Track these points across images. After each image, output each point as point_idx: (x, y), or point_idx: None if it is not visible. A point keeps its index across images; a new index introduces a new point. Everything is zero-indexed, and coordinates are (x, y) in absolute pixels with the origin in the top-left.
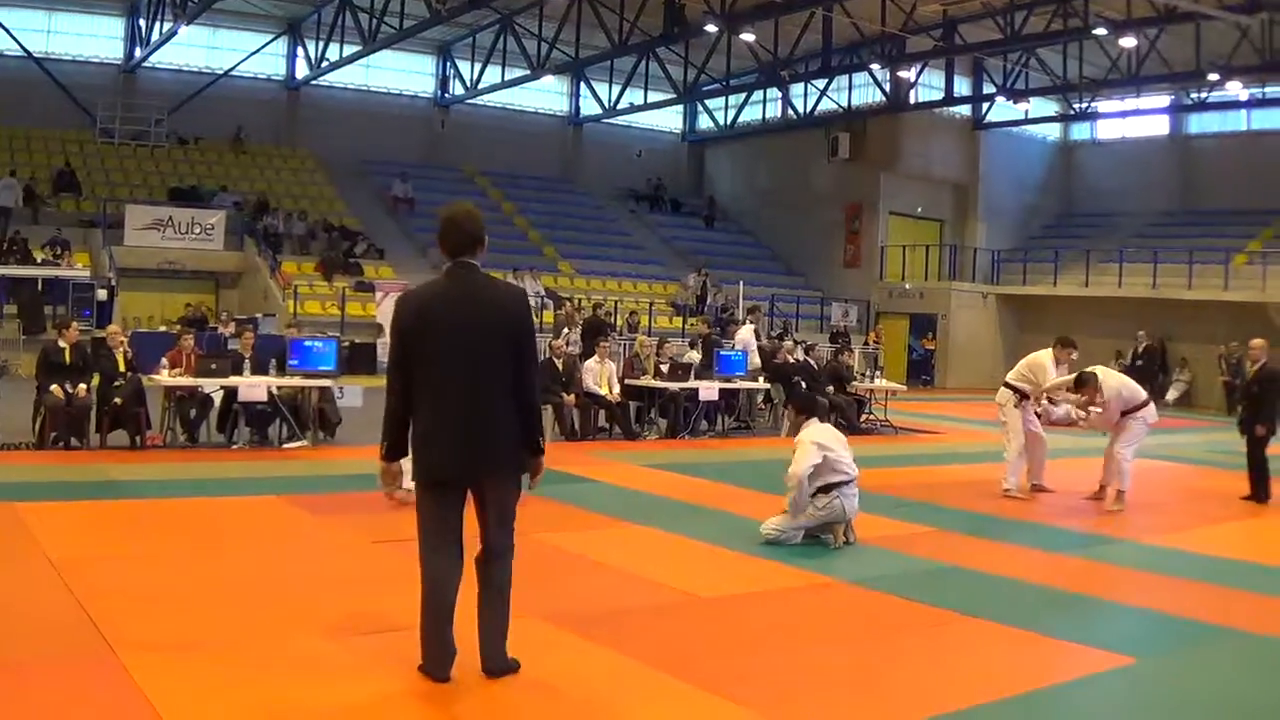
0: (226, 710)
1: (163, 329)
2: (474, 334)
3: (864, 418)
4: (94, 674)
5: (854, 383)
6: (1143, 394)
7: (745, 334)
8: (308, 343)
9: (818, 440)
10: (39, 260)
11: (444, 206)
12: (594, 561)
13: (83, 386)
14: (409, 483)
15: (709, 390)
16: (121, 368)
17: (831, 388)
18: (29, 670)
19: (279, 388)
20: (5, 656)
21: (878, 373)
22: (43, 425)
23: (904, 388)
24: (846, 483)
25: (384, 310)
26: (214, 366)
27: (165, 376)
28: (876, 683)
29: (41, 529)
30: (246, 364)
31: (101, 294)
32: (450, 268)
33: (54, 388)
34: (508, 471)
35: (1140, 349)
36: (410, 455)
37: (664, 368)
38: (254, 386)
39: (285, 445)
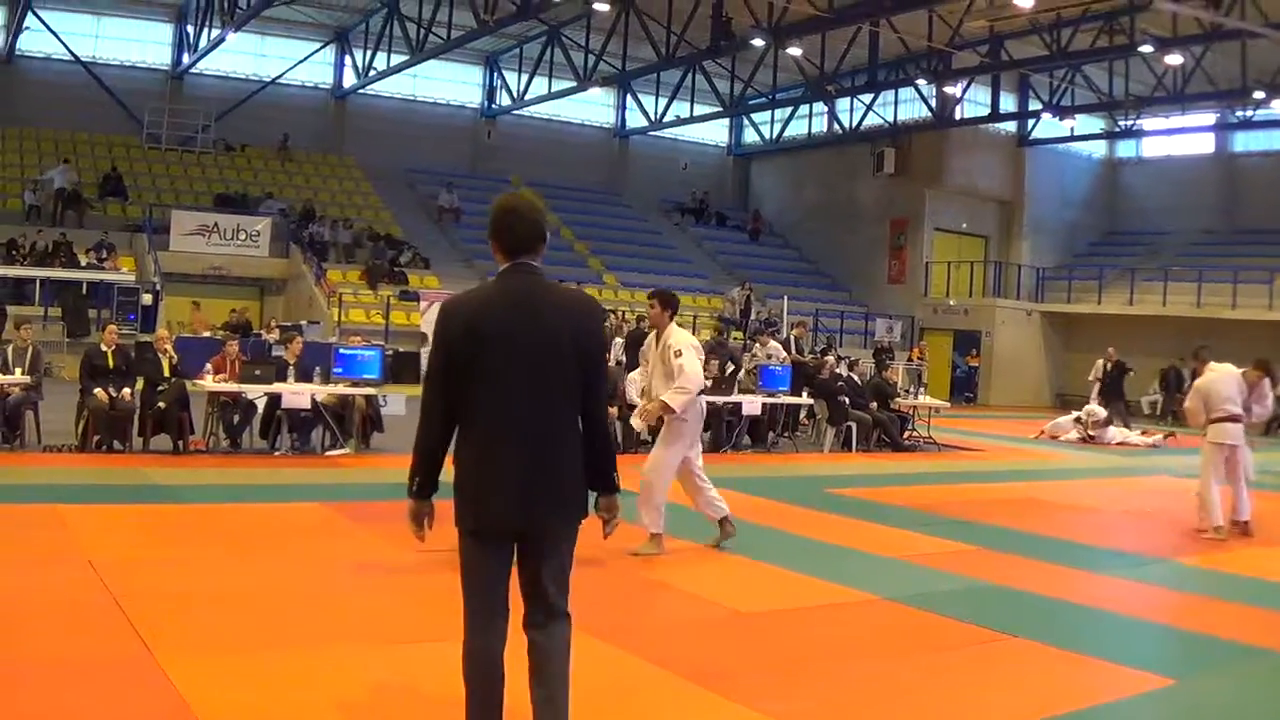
0: (263, 715)
1: (206, 335)
2: (538, 349)
3: (907, 434)
4: (132, 675)
5: (897, 399)
6: None
7: (774, 345)
8: (353, 351)
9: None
10: (83, 264)
11: (500, 196)
12: (635, 575)
13: (126, 390)
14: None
15: (752, 404)
16: (166, 372)
17: (875, 403)
18: (68, 670)
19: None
20: (45, 655)
21: (921, 389)
22: (86, 428)
23: (947, 404)
24: None
25: (428, 319)
26: (258, 373)
27: (209, 382)
28: (918, 701)
29: (83, 530)
30: (290, 370)
31: (146, 298)
32: (507, 270)
33: (97, 391)
34: (575, 516)
35: (1109, 366)
36: (454, 495)
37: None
38: (297, 393)
39: (328, 452)
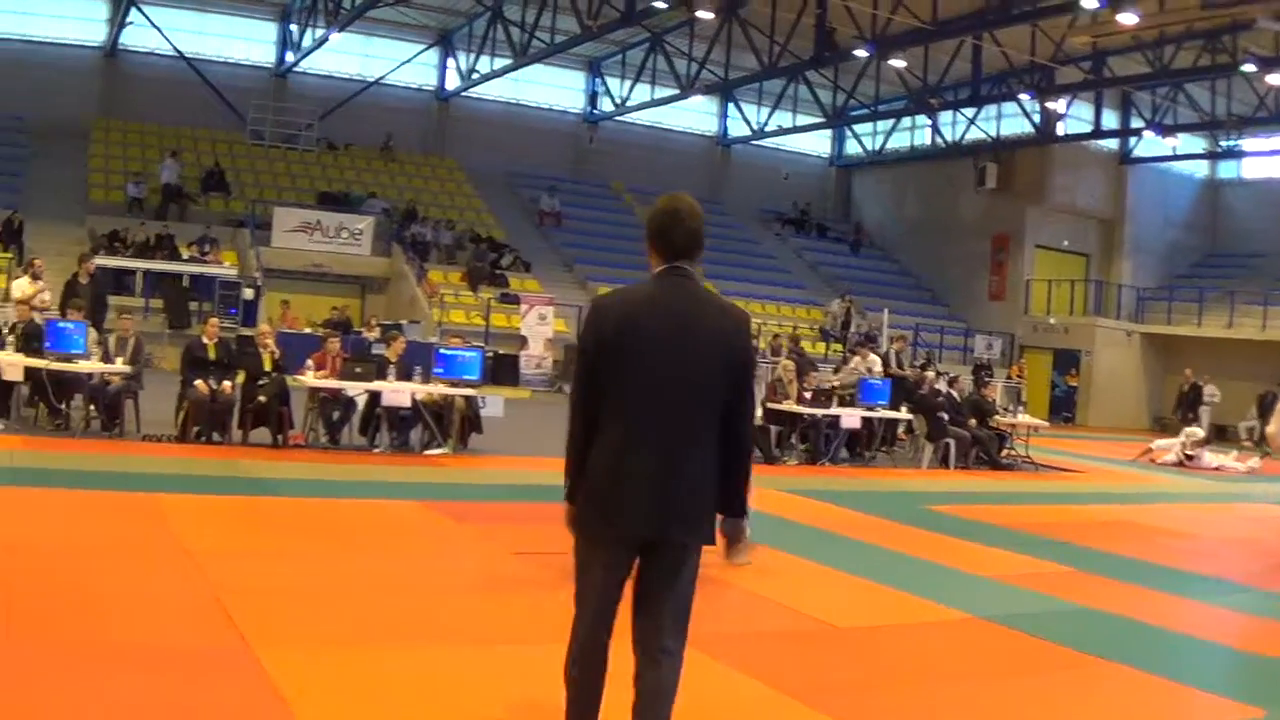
0: (357, 710)
1: (307, 330)
2: (688, 358)
3: (1005, 453)
4: (229, 667)
5: (996, 417)
6: None
7: (874, 359)
8: (453, 351)
9: None
10: (185, 257)
11: (662, 197)
12: (730, 584)
13: (227, 383)
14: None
15: (851, 418)
16: (268, 367)
17: (974, 421)
18: (165, 660)
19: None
20: (142, 645)
21: (1020, 408)
22: (185, 419)
23: (1046, 424)
24: None
25: (529, 323)
26: (359, 370)
27: (310, 378)
28: None
29: (180, 521)
30: (391, 369)
31: (248, 293)
32: (663, 273)
33: (198, 383)
34: (703, 535)
35: (1185, 388)
36: (578, 498)
37: (807, 394)
38: (397, 392)
39: (427, 451)
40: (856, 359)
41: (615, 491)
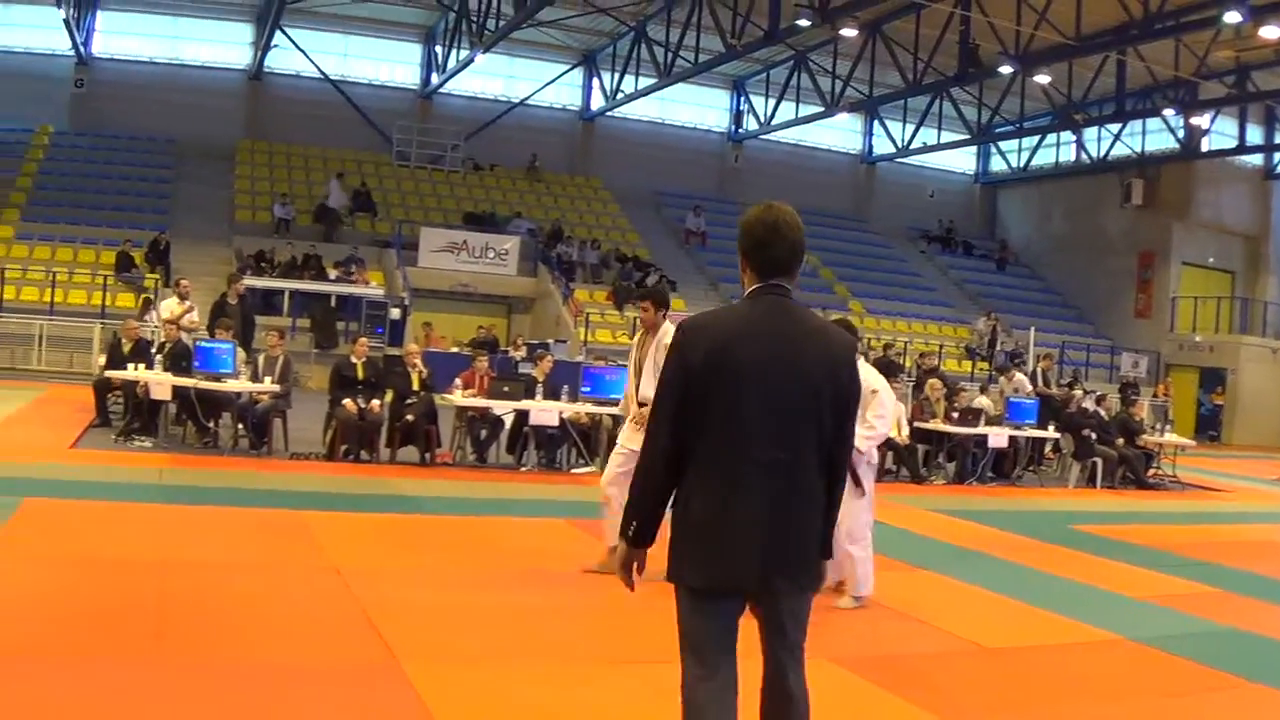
0: None
1: (454, 350)
2: (792, 386)
3: (1151, 472)
4: (379, 683)
5: (1143, 436)
6: None
7: (1020, 379)
8: (601, 370)
9: None
10: (332, 277)
11: (755, 207)
12: (881, 604)
13: (375, 402)
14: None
15: (998, 437)
16: (416, 386)
17: (1121, 440)
18: (318, 676)
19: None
20: (295, 663)
21: (1167, 426)
22: (334, 438)
23: (1192, 443)
24: None
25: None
26: (506, 389)
27: (458, 396)
28: None
29: (328, 538)
30: (539, 388)
31: (395, 313)
32: (759, 292)
33: (346, 402)
34: (809, 580)
35: None
36: (671, 544)
37: (954, 414)
38: (545, 410)
39: (574, 470)
40: (1003, 380)
41: (716, 540)
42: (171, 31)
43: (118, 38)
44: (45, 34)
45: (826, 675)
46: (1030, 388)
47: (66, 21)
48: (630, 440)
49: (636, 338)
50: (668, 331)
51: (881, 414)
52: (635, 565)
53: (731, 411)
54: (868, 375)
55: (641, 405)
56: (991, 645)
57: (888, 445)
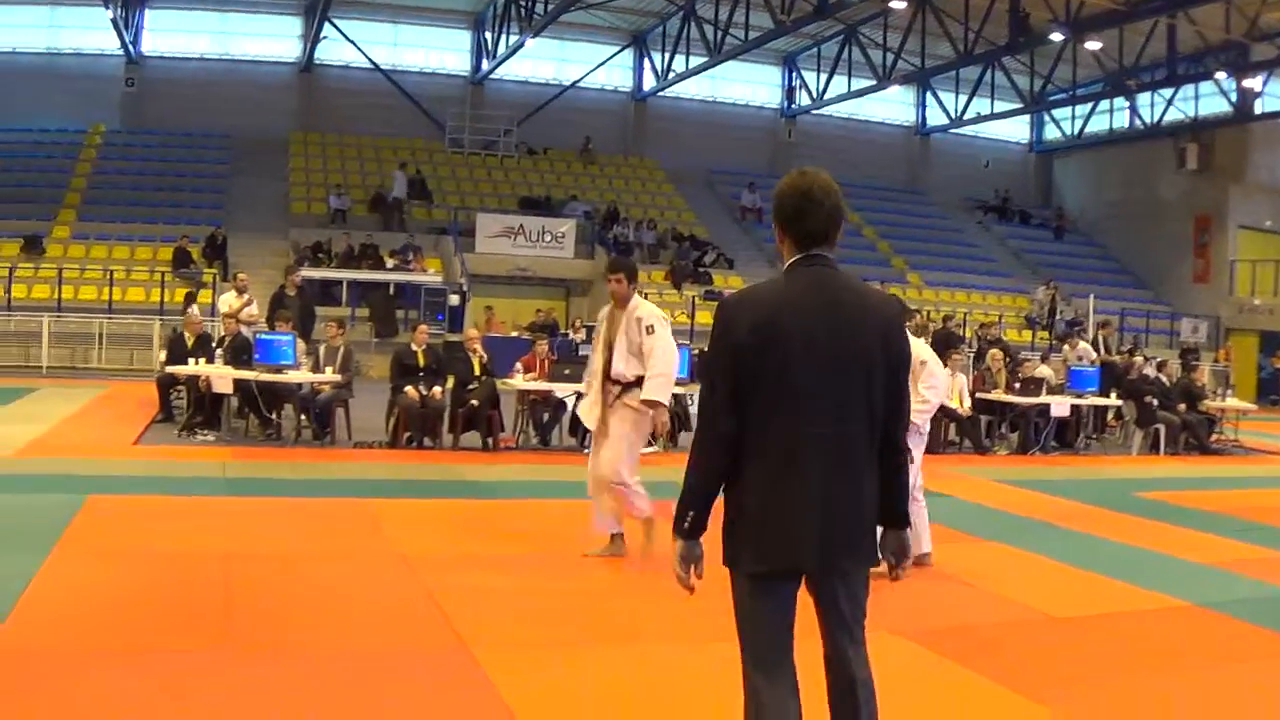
0: (575, 712)
1: (514, 334)
2: (844, 359)
3: (1214, 438)
4: (450, 669)
5: (1205, 401)
6: None
7: (1084, 347)
8: None
9: None
10: (389, 265)
11: (790, 175)
12: (947, 576)
13: (437, 389)
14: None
15: (1060, 406)
16: (476, 371)
17: (1182, 406)
18: (389, 664)
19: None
20: (365, 650)
21: (1228, 391)
22: (396, 425)
23: (1254, 407)
24: None
25: None
26: (567, 371)
27: (519, 380)
28: (1229, 713)
29: (394, 526)
30: None
31: (453, 299)
32: (800, 263)
33: (408, 389)
34: (871, 555)
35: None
36: (726, 530)
37: (1016, 384)
38: None
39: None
40: (1067, 348)
41: (772, 522)
42: (220, 27)
43: (166, 36)
44: (94, 34)
45: (893, 649)
46: (1094, 355)
47: (115, 21)
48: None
49: (604, 311)
50: (638, 305)
51: (933, 384)
52: (695, 563)
53: (782, 387)
54: (916, 347)
55: (617, 382)
56: (1059, 615)
57: (950, 417)
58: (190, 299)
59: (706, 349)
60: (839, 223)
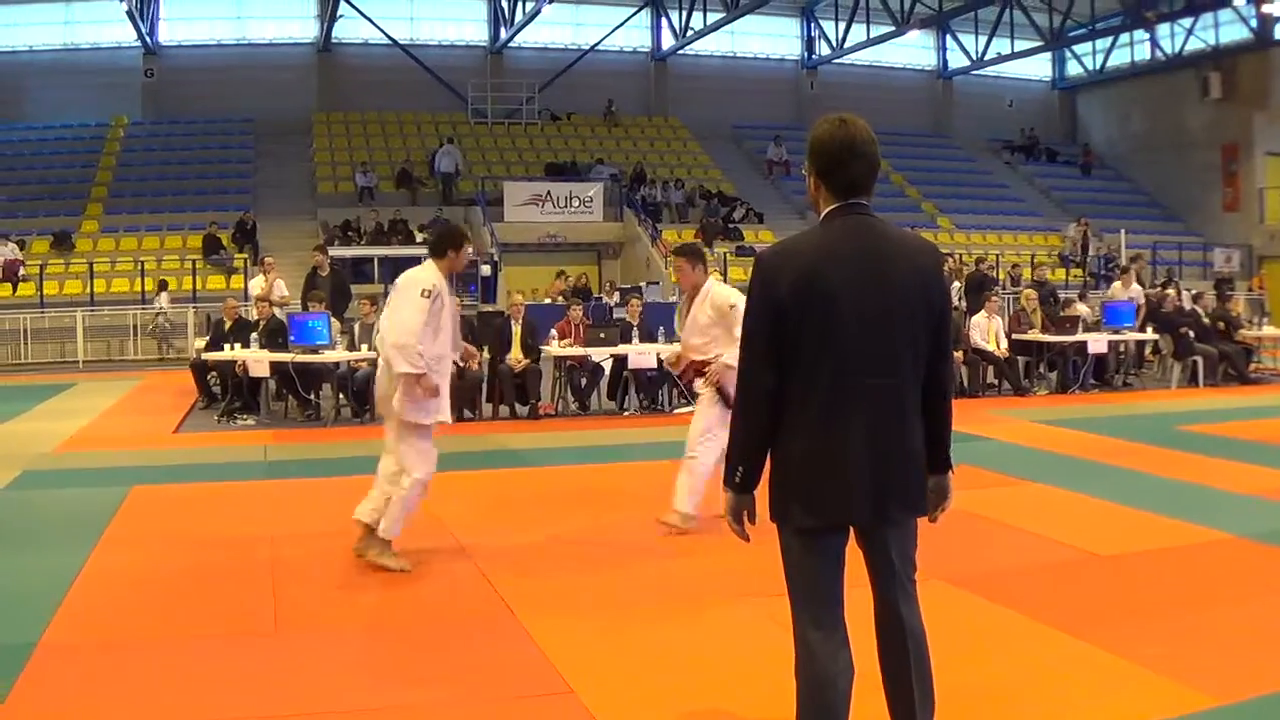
0: (624, 672)
1: (547, 301)
2: (887, 307)
3: (1253, 367)
4: (499, 635)
5: (1241, 330)
6: None
7: (1136, 287)
8: None
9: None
10: (419, 240)
11: (824, 122)
12: (990, 519)
13: (474, 361)
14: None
15: (1098, 343)
16: (517, 339)
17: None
18: (437, 633)
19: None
20: (415, 622)
21: (1264, 319)
22: None
23: None
24: None
25: None
26: (603, 336)
27: (555, 347)
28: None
29: (437, 497)
30: (634, 332)
31: (485, 270)
32: (838, 211)
33: None
34: (921, 503)
35: None
36: (773, 485)
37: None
38: (643, 354)
39: (676, 410)
40: (1117, 285)
41: (821, 474)
42: (236, 12)
43: (183, 24)
44: (111, 27)
45: (940, 594)
46: (1142, 290)
47: (130, 13)
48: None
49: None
50: (713, 285)
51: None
52: (747, 513)
53: (826, 339)
54: (725, 292)
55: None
56: (1106, 553)
57: (988, 359)
58: (162, 286)
59: (744, 304)
60: (877, 171)
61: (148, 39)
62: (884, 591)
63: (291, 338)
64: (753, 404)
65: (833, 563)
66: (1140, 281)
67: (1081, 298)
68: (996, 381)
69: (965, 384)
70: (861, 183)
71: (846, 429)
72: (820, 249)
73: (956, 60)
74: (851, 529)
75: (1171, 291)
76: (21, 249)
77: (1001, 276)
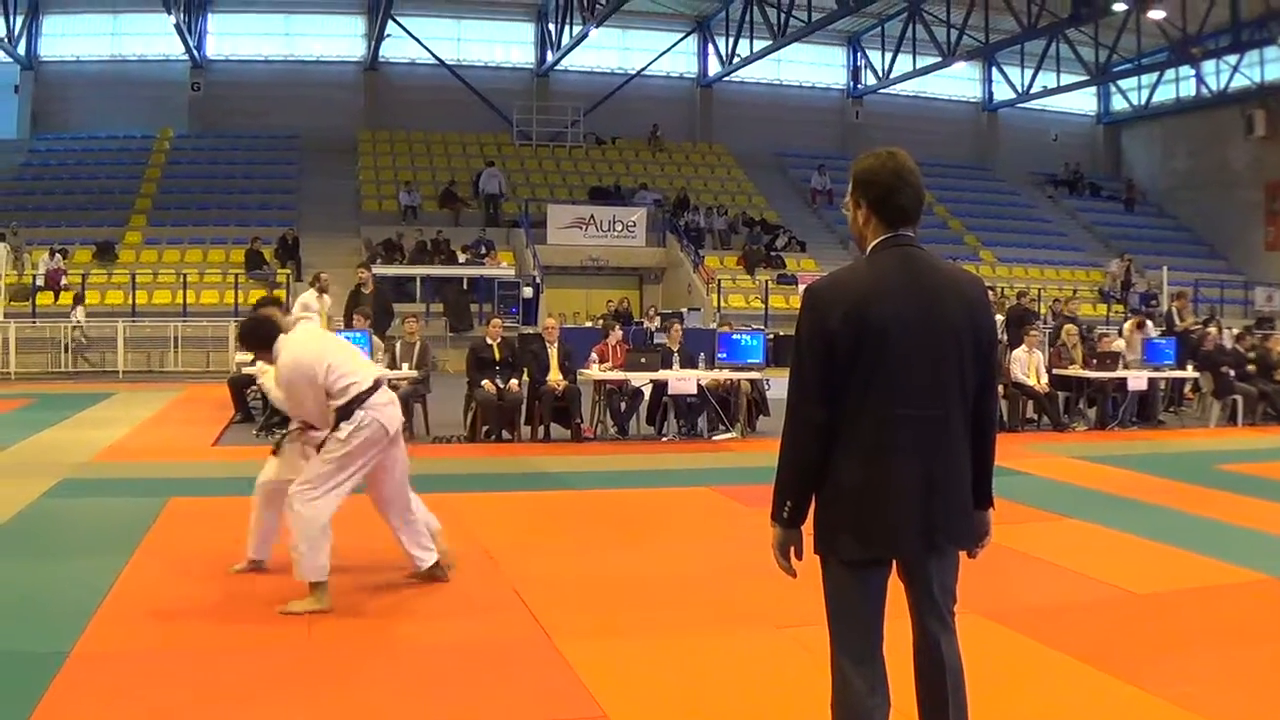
0: (658, 699)
1: (588, 325)
2: (936, 340)
3: None
4: (533, 660)
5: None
6: None
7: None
8: (736, 336)
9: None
10: (461, 260)
11: (872, 155)
12: (1027, 556)
13: (514, 382)
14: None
15: (1138, 380)
16: (554, 362)
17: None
18: (472, 655)
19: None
20: (448, 642)
21: None
22: (474, 419)
23: None
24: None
25: None
26: (643, 360)
27: (595, 370)
28: None
29: (475, 519)
30: (675, 357)
31: (527, 291)
32: (886, 244)
33: (485, 382)
34: (968, 535)
35: None
36: (820, 516)
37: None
38: (683, 379)
39: (715, 437)
40: (1129, 326)
41: (869, 507)
42: (283, 29)
43: (230, 39)
44: (158, 40)
45: (978, 630)
46: (1165, 328)
47: (178, 26)
48: None
49: None
50: None
51: None
52: (794, 548)
53: (877, 371)
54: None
55: None
56: (1142, 591)
57: (1028, 394)
58: (78, 300)
59: (794, 335)
60: (923, 202)
61: (195, 53)
62: (924, 623)
63: None
64: (802, 437)
65: (875, 595)
66: (1181, 319)
67: (1121, 334)
68: (1036, 416)
69: (1005, 418)
70: (910, 213)
71: (896, 461)
72: (871, 281)
73: (1002, 93)
74: (895, 561)
75: (1212, 330)
76: (65, 258)
77: (1043, 311)
